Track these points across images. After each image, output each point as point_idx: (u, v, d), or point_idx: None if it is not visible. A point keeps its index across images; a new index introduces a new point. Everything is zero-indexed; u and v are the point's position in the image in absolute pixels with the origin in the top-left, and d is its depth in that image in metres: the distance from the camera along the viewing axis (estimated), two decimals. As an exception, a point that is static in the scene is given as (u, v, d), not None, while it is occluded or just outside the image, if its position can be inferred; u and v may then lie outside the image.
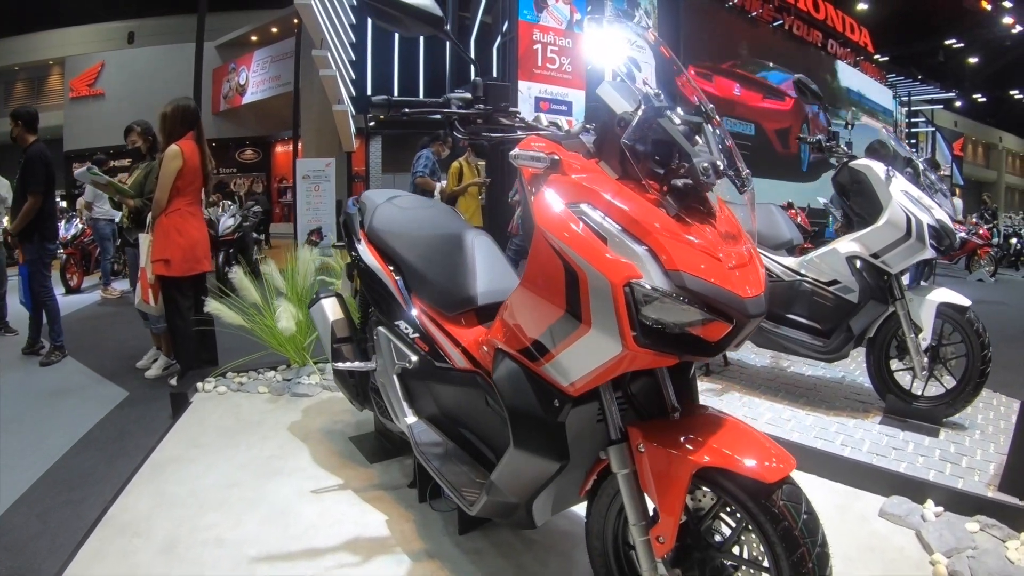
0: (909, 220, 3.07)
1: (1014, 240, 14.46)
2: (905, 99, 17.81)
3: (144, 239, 4.10)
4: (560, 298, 1.40)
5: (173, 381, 4.02)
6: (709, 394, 3.70)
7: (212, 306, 3.91)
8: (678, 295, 1.25)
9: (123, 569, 2.05)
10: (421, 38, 16.66)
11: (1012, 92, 30.49)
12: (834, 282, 3.38)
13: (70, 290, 9.02)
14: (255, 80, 22.52)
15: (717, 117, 1.50)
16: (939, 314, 3.15)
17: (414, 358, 2.17)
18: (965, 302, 3.13)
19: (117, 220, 7.13)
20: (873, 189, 3.20)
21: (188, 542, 2.19)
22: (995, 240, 13.19)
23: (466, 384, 1.95)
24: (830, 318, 3.39)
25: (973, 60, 26.07)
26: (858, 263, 3.27)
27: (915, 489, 2.53)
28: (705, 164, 1.33)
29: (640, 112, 1.40)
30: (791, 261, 3.58)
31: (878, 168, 3.19)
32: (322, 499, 2.54)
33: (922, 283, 3.94)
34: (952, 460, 2.82)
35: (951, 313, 3.15)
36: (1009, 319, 7.47)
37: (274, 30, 21.85)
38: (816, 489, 2.69)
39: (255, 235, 10.27)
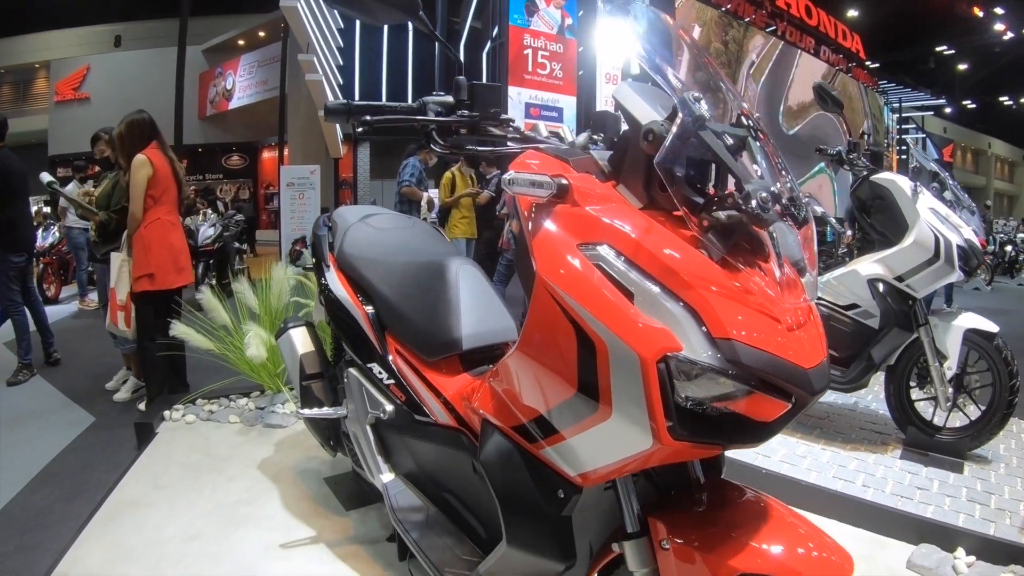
0: (938, 240, 2.84)
1: (1009, 248, 14.34)
2: (896, 105, 17.76)
3: (116, 258, 3.87)
4: (570, 372, 1.10)
5: (142, 406, 3.82)
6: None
7: (179, 329, 3.62)
8: (730, 371, 0.98)
9: None
10: (410, 41, 16.46)
11: (1001, 98, 30.61)
12: (853, 306, 3.13)
13: (47, 300, 8.70)
14: (242, 85, 22.18)
15: (766, 131, 1.21)
16: (965, 340, 2.91)
17: (389, 408, 1.86)
18: (993, 328, 2.90)
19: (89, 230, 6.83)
20: (898, 206, 2.96)
21: None
22: (991, 248, 13.05)
23: (449, 443, 1.65)
24: (848, 345, 3.14)
25: (963, 66, 26.10)
26: (881, 286, 3.03)
27: (944, 536, 2.33)
28: (764, 194, 1.03)
29: (678, 123, 1.07)
30: (803, 282, 3.33)
31: (904, 183, 2.95)
32: (291, 555, 2.28)
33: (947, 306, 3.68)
34: (980, 500, 2.59)
35: (978, 340, 2.92)
36: (1012, 329, 7.25)
37: (261, 34, 21.57)
38: (838, 536, 2.43)
39: (237, 245, 9.95)
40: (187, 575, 2.13)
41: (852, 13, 18.72)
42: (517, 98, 11.82)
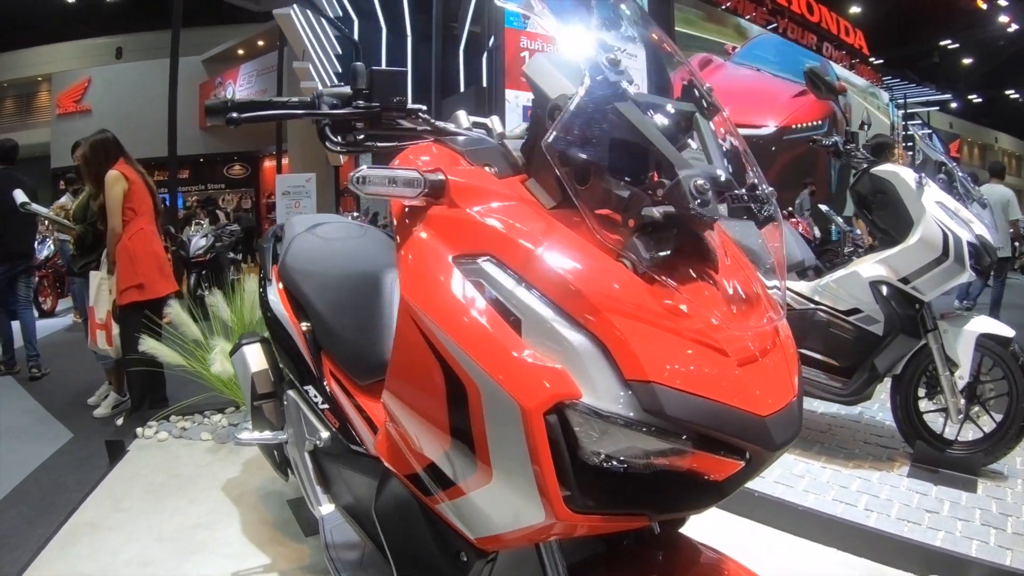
0: (946, 237, 2.61)
1: (1016, 243, 13.91)
2: (901, 102, 17.46)
3: (95, 276, 3.88)
4: (442, 417, 0.86)
5: (119, 421, 3.82)
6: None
7: (148, 344, 3.50)
8: (650, 425, 0.75)
9: None
10: (408, 47, 16.34)
11: (1008, 92, 30.17)
12: (854, 311, 2.91)
13: (43, 313, 8.68)
14: (242, 94, 21.79)
15: (720, 105, 0.97)
16: (978, 347, 2.69)
17: (324, 434, 1.68)
18: (1009, 332, 2.68)
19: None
20: (901, 200, 2.74)
21: None
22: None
23: (379, 477, 1.46)
24: (850, 354, 2.92)
25: (968, 60, 25.73)
26: (884, 289, 2.81)
27: (958, 568, 2.14)
28: (699, 180, 0.80)
29: (581, 92, 0.85)
30: (803, 286, 3.11)
31: (907, 175, 2.72)
32: None
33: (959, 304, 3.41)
34: (996, 524, 2.37)
35: (992, 346, 2.70)
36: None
37: (260, 43, 21.54)
38: (838, 568, 2.25)
39: (232, 255, 9.81)
40: None
41: (854, 9, 18.45)
42: (515, 101, 11.61)
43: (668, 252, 0.83)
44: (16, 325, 5.27)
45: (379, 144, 1.09)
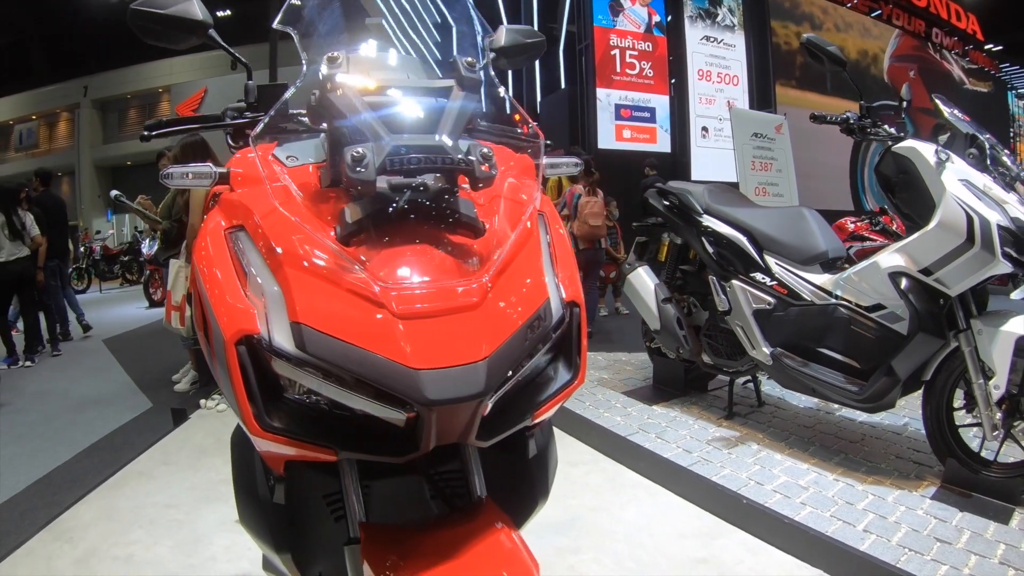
0: (971, 220, 2.23)
1: None
2: (1023, 92, 15.62)
3: (174, 264, 4.22)
4: (208, 346, 1.01)
5: (203, 400, 4.23)
6: (719, 444, 2.95)
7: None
8: (302, 361, 0.87)
9: (40, 565, 2.24)
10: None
11: None
12: (878, 307, 2.55)
13: (153, 303, 9.42)
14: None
15: (479, 79, 1.12)
16: (1019, 351, 2.27)
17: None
18: (1057, 335, 2.24)
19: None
20: (922, 180, 2.36)
21: (102, 556, 2.29)
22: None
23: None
24: (871, 355, 2.56)
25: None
26: (904, 282, 2.44)
27: None
28: (358, 150, 0.91)
29: (291, 91, 1.11)
30: (825, 279, 2.77)
31: (926, 151, 2.34)
32: (239, 531, 2.19)
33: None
34: (1019, 565, 1.97)
35: (1037, 351, 2.27)
36: None
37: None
38: None
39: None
40: (150, 536, 2.43)
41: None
42: (606, 100, 11.44)
43: (371, 217, 0.93)
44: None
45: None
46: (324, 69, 1.03)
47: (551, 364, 1.05)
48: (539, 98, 19.22)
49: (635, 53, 11.60)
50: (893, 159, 2.49)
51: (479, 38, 1.32)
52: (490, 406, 0.92)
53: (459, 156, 0.94)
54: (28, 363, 5.74)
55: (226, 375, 0.90)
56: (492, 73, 1.25)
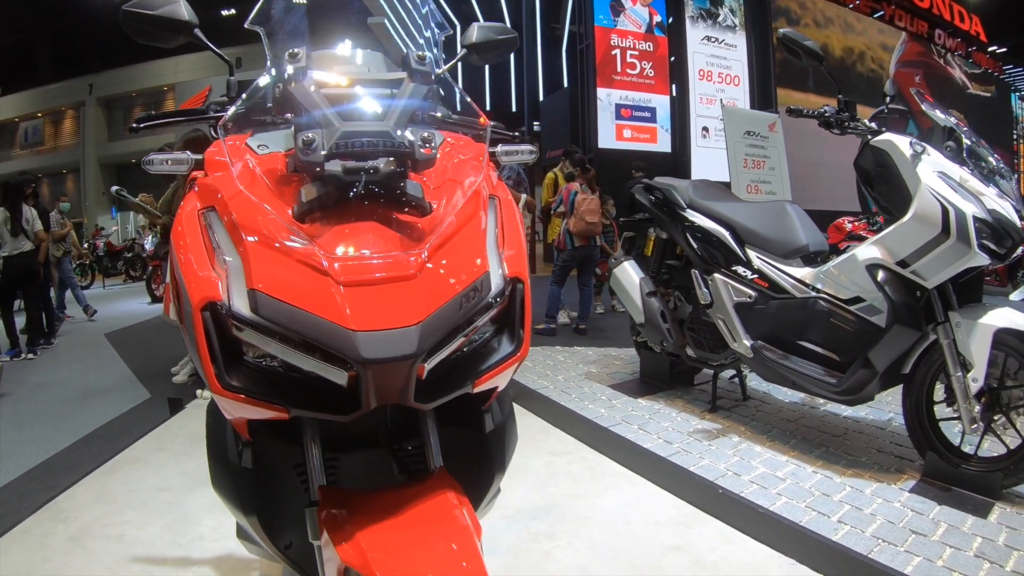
0: (946, 212, 2.23)
1: None
2: None
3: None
4: (179, 313, 1.10)
5: (199, 390, 4.31)
6: (700, 436, 2.96)
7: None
8: (255, 323, 0.95)
9: (35, 543, 2.31)
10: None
11: None
12: (856, 300, 2.56)
13: (155, 299, 9.46)
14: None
15: (431, 70, 1.24)
16: (998, 344, 2.28)
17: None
18: (1035, 327, 2.25)
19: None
20: (898, 172, 2.37)
21: (95, 534, 2.37)
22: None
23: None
24: (850, 348, 2.57)
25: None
26: (880, 274, 2.45)
27: None
28: (308, 135, 1.02)
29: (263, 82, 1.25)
30: (805, 273, 2.78)
31: (901, 142, 2.35)
32: (227, 513, 2.26)
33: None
34: (993, 558, 1.96)
35: (1015, 343, 2.27)
36: None
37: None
38: None
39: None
40: (141, 516, 2.50)
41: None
42: (607, 99, 11.45)
43: (324, 198, 1.01)
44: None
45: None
46: (286, 65, 1.13)
47: (495, 337, 1.11)
48: (541, 97, 19.25)
49: (636, 53, 11.62)
50: (871, 152, 2.50)
51: (436, 34, 1.48)
52: (427, 369, 0.99)
53: (400, 140, 1.03)
54: (31, 356, 5.83)
55: (193, 338, 0.98)
56: (442, 68, 1.39)
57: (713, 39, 11.98)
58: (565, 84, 12.92)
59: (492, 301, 1.05)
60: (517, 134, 1.48)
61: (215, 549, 2.24)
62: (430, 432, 1.16)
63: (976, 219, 2.20)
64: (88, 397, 4.35)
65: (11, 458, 3.13)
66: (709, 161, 11.31)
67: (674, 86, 11.73)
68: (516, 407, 3.96)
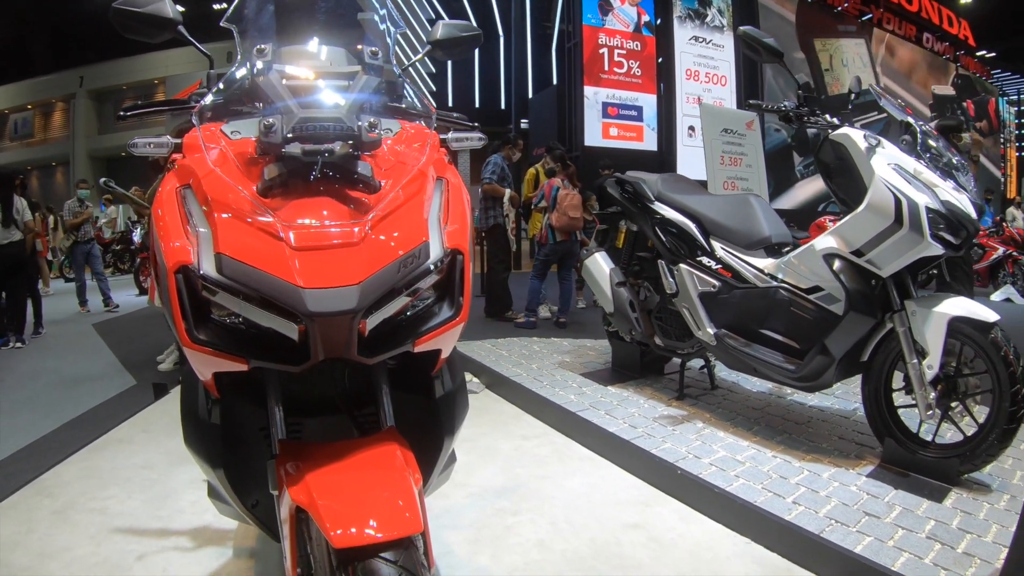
0: (899, 202, 2.29)
1: None
2: (1015, 98, 15.64)
3: None
4: (156, 278, 1.24)
5: (158, 357, 4.46)
6: (665, 421, 3.01)
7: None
8: (221, 283, 1.09)
9: (20, 517, 2.41)
10: (500, 47, 16.53)
11: None
12: (816, 289, 2.62)
13: (143, 291, 9.44)
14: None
15: (387, 63, 1.45)
16: (953, 332, 2.34)
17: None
18: (989, 317, 2.31)
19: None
20: (854, 164, 2.43)
21: (80, 508, 2.47)
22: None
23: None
24: (810, 335, 2.63)
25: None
26: (836, 263, 2.51)
27: None
28: (269, 120, 1.16)
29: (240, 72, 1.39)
30: (767, 263, 2.84)
31: (857, 136, 2.41)
32: (204, 488, 2.36)
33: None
34: (946, 539, 2.02)
35: (969, 332, 2.33)
36: None
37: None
38: (747, 560, 2.07)
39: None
40: (124, 491, 2.61)
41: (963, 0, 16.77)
42: (594, 98, 11.49)
43: (284, 176, 1.16)
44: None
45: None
46: (254, 59, 1.28)
47: (437, 303, 1.25)
48: (530, 95, 19.25)
49: (624, 52, 11.66)
50: (830, 146, 2.56)
51: (389, 28, 1.60)
52: (369, 326, 1.12)
53: (349, 125, 1.16)
54: (18, 344, 5.87)
55: (167, 298, 1.11)
56: (394, 62, 1.53)
57: (701, 39, 12.04)
58: (555, 82, 12.93)
59: (431, 267, 1.17)
60: (475, 124, 1.61)
61: (193, 521, 2.34)
62: (383, 394, 1.29)
63: (929, 210, 2.26)
64: (76, 384, 4.43)
65: None
66: (695, 160, 11.35)
67: (661, 85, 11.78)
68: (489, 394, 4.04)
